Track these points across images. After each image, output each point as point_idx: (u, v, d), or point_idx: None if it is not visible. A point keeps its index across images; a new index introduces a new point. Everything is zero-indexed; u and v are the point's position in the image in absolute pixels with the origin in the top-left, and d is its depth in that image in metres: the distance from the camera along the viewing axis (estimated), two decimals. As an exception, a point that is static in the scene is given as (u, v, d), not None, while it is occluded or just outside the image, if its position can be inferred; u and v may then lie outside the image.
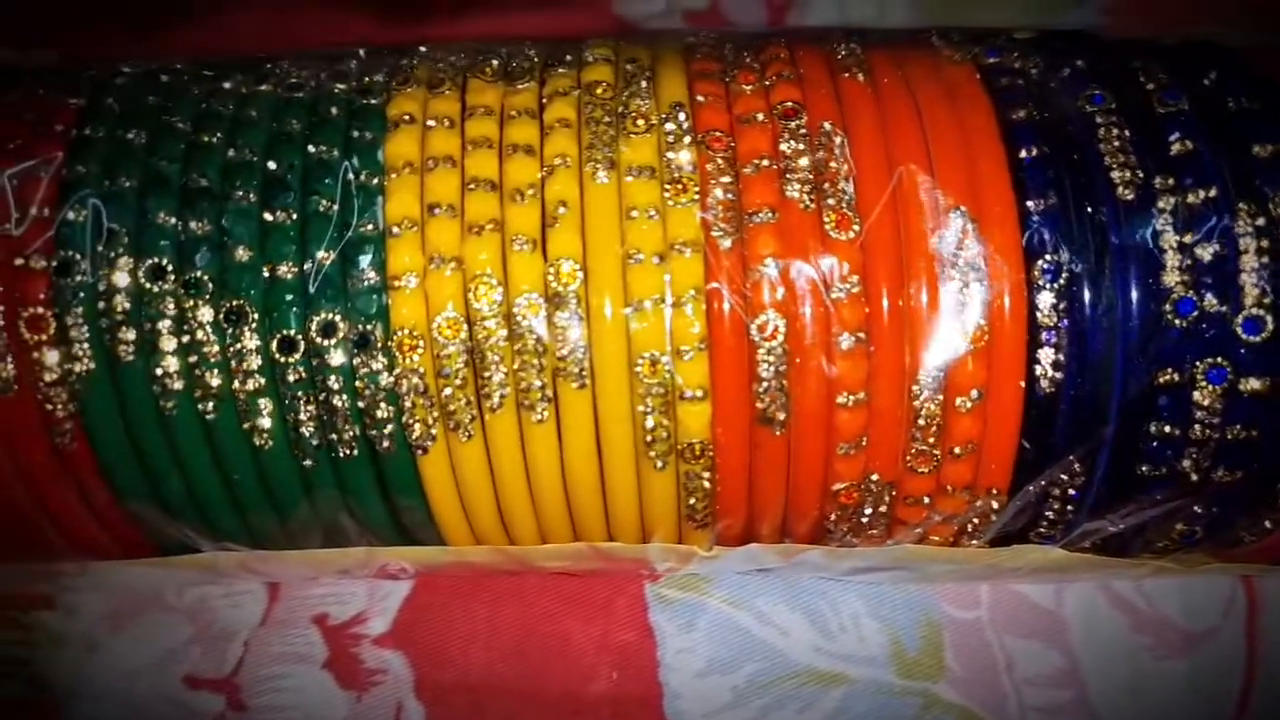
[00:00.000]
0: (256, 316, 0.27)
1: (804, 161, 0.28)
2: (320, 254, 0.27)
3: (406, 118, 0.29)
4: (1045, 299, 0.27)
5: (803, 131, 0.28)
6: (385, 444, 0.28)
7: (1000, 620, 0.38)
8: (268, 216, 0.27)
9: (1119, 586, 0.38)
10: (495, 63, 0.30)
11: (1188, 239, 0.27)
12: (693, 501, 0.29)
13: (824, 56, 0.31)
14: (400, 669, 0.37)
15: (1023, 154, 0.28)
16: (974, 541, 0.31)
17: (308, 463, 0.28)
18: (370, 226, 0.27)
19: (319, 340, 0.27)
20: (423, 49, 0.32)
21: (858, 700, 0.37)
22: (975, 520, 0.30)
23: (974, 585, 0.38)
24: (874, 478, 0.29)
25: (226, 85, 0.30)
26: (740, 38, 0.33)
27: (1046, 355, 0.27)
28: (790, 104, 0.28)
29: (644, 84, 0.29)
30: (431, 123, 0.29)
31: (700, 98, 0.29)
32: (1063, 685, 0.37)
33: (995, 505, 0.29)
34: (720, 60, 0.30)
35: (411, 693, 0.37)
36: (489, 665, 0.37)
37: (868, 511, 0.29)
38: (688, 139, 0.28)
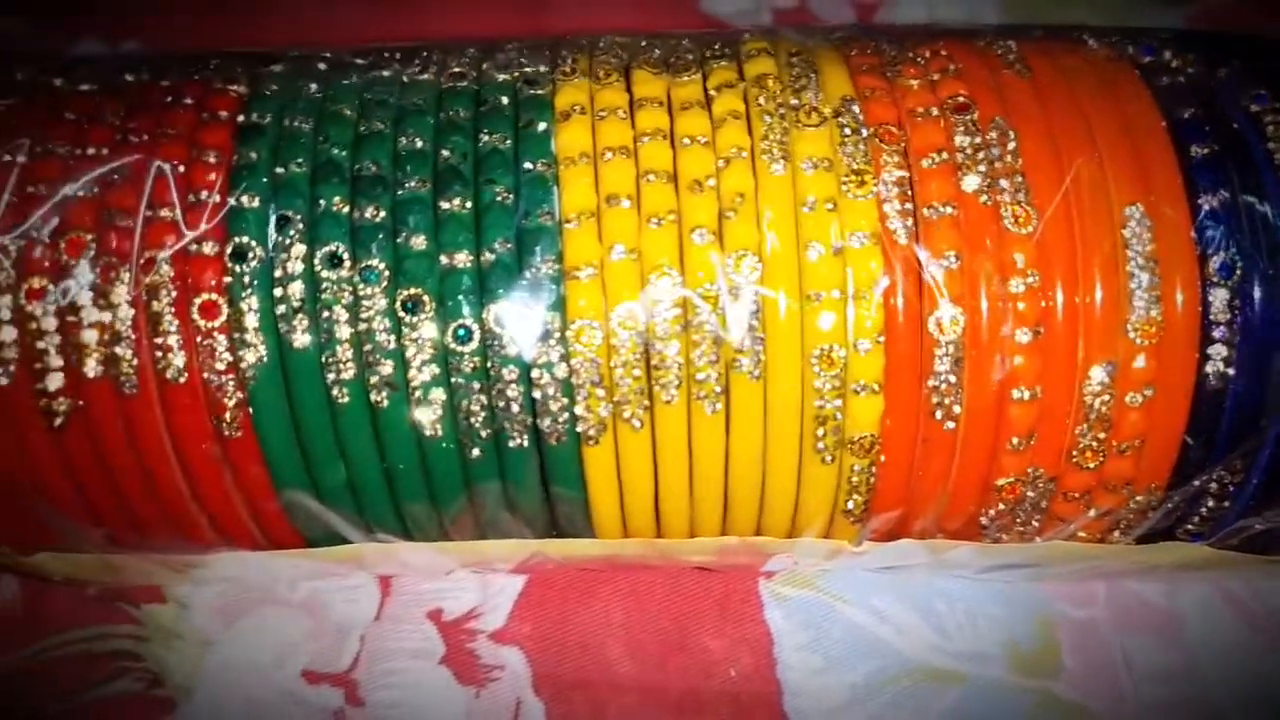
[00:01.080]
0: (434, 305, 0.27)
1: (980, 155, 0.28)
2: (498, 244, 0.27)
3: (577, 108, 0.28)
4: (1219, 295, 0.27)
5: (976, 126, 0.28)
6: (557, 435, 0.28)
7: (1116, 618, 0.38)
8: (443, 205, 0.27)
9: (1233, 585, 0.38)
10: (656, 53, 0.30)
11: (1358, 238, 0.27)
12: (854, 496, 0.29)
13: (979, 52, 0.31)
14: (518, 664, 0.37)
15: (1193, 151, 0.28)
16: (1123, 539, 0.31)
17: (475, 453, 0.28)
18: (546, 217, 0.27)
19: (496, 330, 0.27)
20: (583, 40, 0.32)
21: (975, 699, 0.37)
22: (1130, 516, 0.30)
23: (1090, 583, 0.38)
24: (1039, 472, 0.29)
25: (385, 73, 0.30)
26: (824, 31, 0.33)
27: (1218, 351, 0.28)
28: (961, 98, 0.28)
29: (811, 76, 0.29)
30: (603, 113, 0.28)
31: (866, 91, 0.29)
32: (1179, 683, 0.37)
33: (1153, 501, 0.29)
34: (879, 55, 0.31)
35: (530, 688, 0.37)
36: (607, 661, 0.37)
37: (1026, 507, 0.30)
38: (864, 131, 0.28)
